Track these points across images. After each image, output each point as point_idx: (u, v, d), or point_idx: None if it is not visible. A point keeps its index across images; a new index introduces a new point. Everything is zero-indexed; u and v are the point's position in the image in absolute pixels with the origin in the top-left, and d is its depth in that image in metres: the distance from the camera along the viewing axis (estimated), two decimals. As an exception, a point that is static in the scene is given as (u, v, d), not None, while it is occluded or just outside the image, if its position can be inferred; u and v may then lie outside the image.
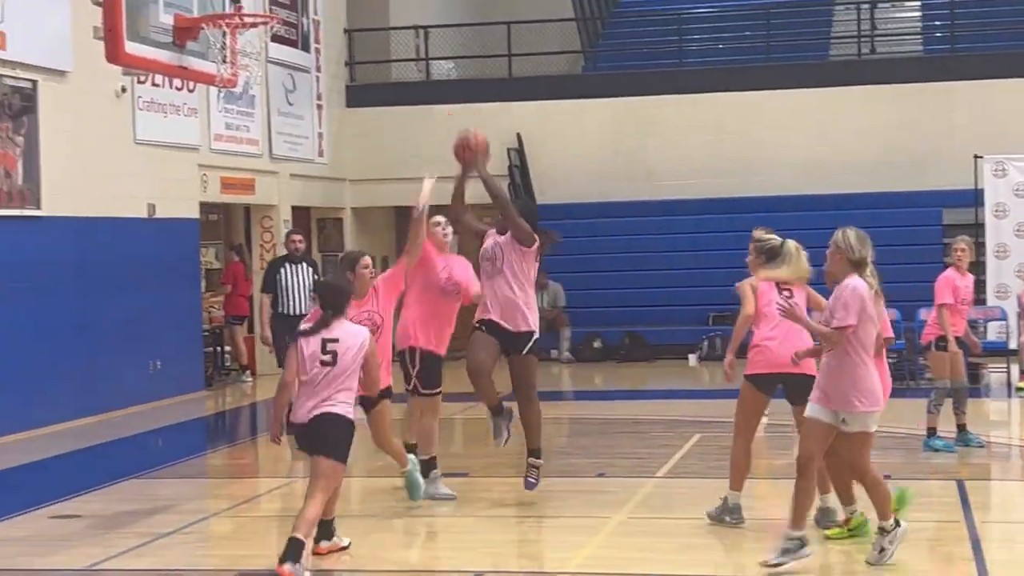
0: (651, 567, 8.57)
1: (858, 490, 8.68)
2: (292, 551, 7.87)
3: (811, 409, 8.08)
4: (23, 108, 14.91)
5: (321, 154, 23.23)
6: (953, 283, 12.46)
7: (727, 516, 9.21)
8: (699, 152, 23.50)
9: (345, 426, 8.23)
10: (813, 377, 8.33)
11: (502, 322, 10.01)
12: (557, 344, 22.48)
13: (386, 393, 9.68)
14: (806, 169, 23.10)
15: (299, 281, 14.78)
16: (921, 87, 22.97)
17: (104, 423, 15.78)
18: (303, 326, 8.38)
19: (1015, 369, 17.90)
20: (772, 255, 9.12)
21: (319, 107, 23.15)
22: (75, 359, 15.74)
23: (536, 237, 10.06)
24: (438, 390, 10.54)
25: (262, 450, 14.21)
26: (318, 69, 23.09)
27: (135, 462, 13.19)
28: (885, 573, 8.13)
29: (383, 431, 9.89)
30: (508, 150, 23.54)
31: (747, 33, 26.00)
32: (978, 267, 18.01)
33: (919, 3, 27.22)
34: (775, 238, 9.19)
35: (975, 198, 21.02)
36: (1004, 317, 19.15)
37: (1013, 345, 18.43)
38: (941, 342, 12.44)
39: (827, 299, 8.29)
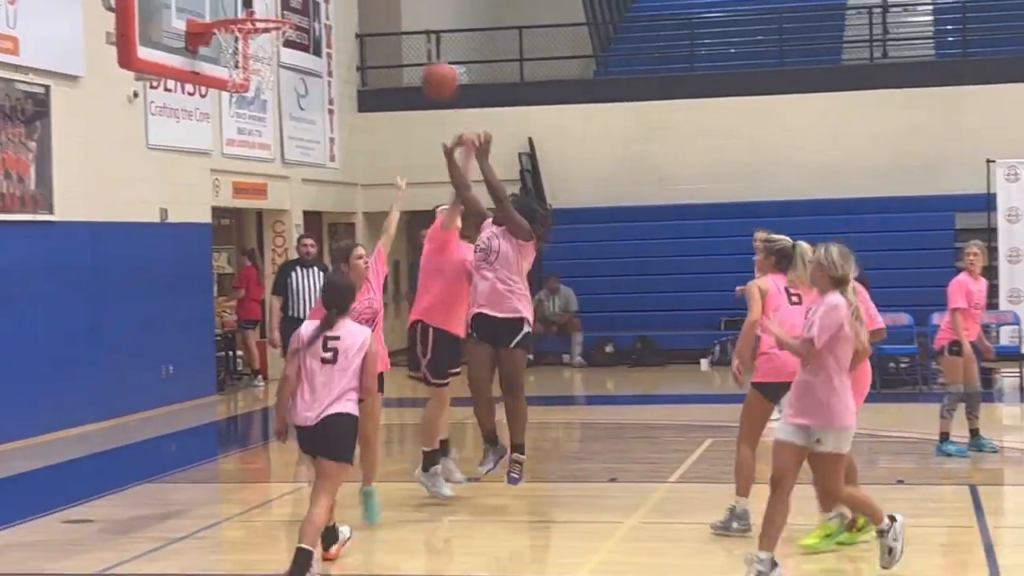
0: (663, 572, 8.56)
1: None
2: (301, 565, 7.87)
3: (784, 431, 7.84)
4: (36, 113, 14.95)
5: (333, 159, 23.25)
6: (966, 287, 12.43)
7: (735, 523, 9.11)
8: (711, 156, 23.48)
9: (349, 425, 8.17)
10: None
11: (489, 311, 9.95)
12: (569, 349, 22.49)
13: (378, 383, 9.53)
14: (818, 173, 23.07)
15: (310, 285, 14.80)
16: (933, 91, 22.93)
17: (116, 427, 15.80)
18: (308, 326, 8.33)
19: (1028, 373, 17.88)
20: (782, 256, 9.07)
21: (331, 112, 23.18)
22: (88, 363, 15.76)
23: (534, 233, 10.04)
24: (447, 381, 10.40)
25: (274, 455, 14.23)
26: (330, 74, 23.12)
27: (148, 467, 13.20)
28: (898, 579, 8.11)
29: (370, 430, 9.55)
30: (520, 154, 23.55)
31: (759, 37, 25.99)
32: (990, 271, 17.96)
33: (931, 7, 27.18)
34: (784, 239, 9.11)
35: (987, 202, 20.99)
36: (1017, 321, 19.12)
37: (1026, 349, 18.41)
38: (954, 346, 12.41)
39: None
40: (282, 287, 15.26)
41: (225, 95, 18.02)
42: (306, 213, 22.06)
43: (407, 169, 22.94)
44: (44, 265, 15.09)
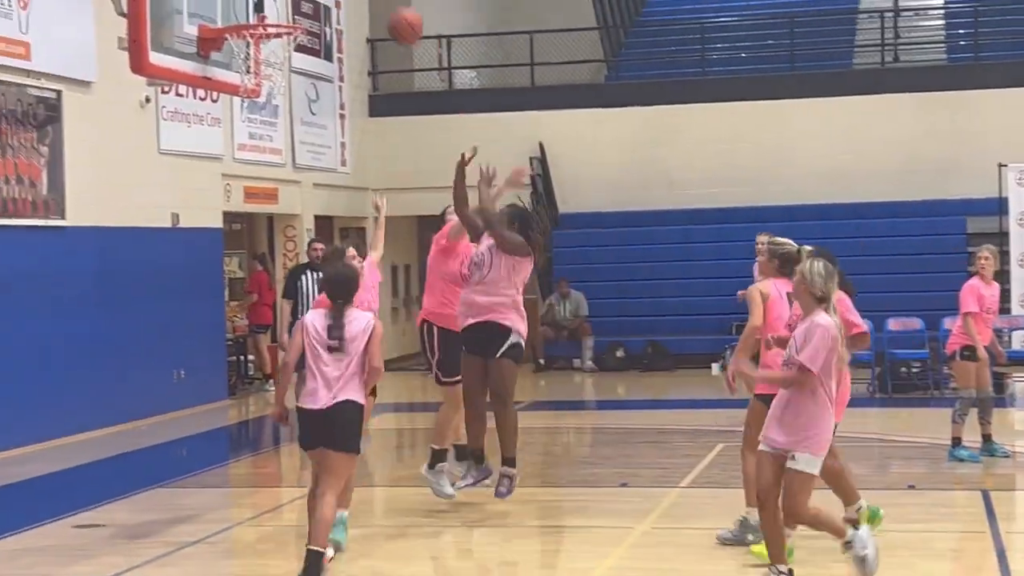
0: (675, 578, 8.56)
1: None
2: (313, 567, 7.86)
3: (764, 445, 7.76)
4: (48, 118, 14.98)
5: (344, 163, 23.27)
6: (978, 291, 12.40)
7: (750, 535, 8.95)
8: (721, 161, 23.48)
9: (356, 412, 8.19)
10: None
11: (479, 320, 9.79)
12: (579, 353, 22.48)
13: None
14: (829, 178, 23.05)
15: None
16: (945, 95, 22.91)
17: (128, 432, 15.81)
18: (313, 316, 8.31)
19: (1040, 378, 17.85)
20: (785, 260, 8.97)
21: (342, 117, 23.20)
22: (99, 368, 15.79)
23: (531, 248, 9.88)
24: (457, 379, 10.31)
25: (285, 459, 14.23)
26: (341, 79, 23.15)
27: (159, 471, 13.20)
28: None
29: None
30: (531, 159, 23.56)
31: (770, 42, 25.97)
32: (1002, 276, 17.92)
33: (943, 11, 27.16)
34: (789, 243, 8.96)
35: (999, 207, 20.96)
36: (1029, 326, 19.10)
37: (1038, 354, 18.37)
38: (966, 351, 12.38)
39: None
40: (292, 291, 15.29)
41: (236, 100, 18.05)
42: (317, 218, 22.08)
43: (417, 173, 23.43)
44: (55, 270, 15.12)
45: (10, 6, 14.20)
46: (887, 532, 9.43)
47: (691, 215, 23.55)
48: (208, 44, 13.09)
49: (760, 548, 8.38)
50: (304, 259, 17.81)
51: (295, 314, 14.86)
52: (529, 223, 10.00)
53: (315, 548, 7.98)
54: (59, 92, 15.14)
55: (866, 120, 23.11)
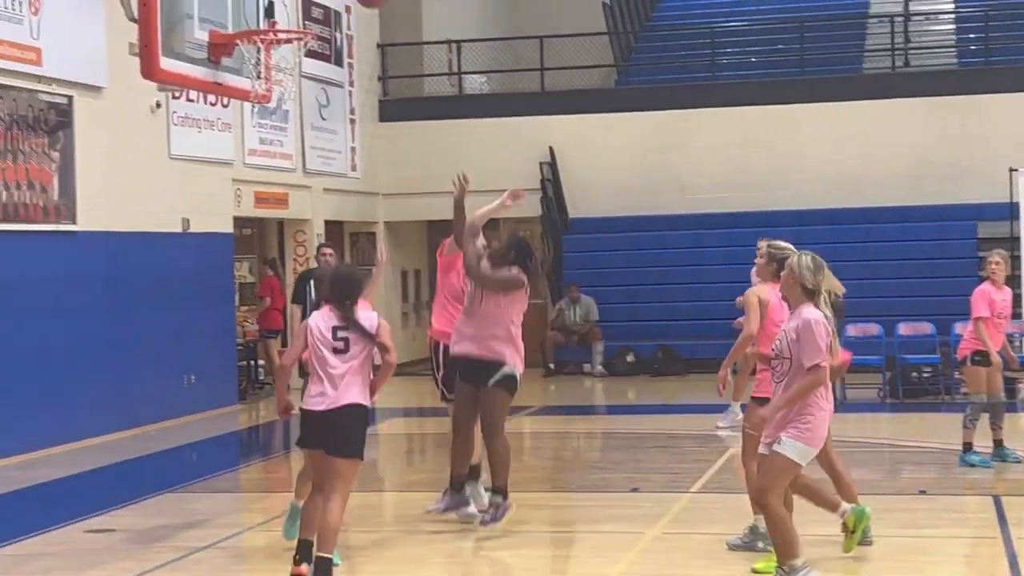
0: (685, 583, 8.55)
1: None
2: (322, 573, 7.86)
3: (763, 448, 7.77)
4: (59, 123, 15.01)
5: (354, 168, 23.29)
6: (989, 296, 12.36)
7: (760, 542, 8.87)
8: (731, 166, 23.46)
9: (362, 416, 8.14)
10: None
11: (473, 351, 9.63)
12: (590, 358, 22.47)
13: None
14: (839, 183, 23.03)
15: (329, 294, 14.82)
16: (955, 100, 22.87)
17: (138, 437, 15.84)
18: (318, 317, 8.26)
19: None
20: (785, 265, 8.90)
21: (352, 122, 23.23)
22: (110, 373, 15.81)
23: (524, 280, 9.63)
24: None
25: (296, 464, 14.21)
26: (351, 84, 23.17)
27: (169, 476, 13.22)
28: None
29: None
30: (541, 164, 23.57)
31: (780, 47, 25.95)
32: (1013, 281, 17.87)
33: (953, 16, 27.12)
34: (788, 247, 8.80)
35: (1010, 211, 20.91)
36: (1040, 331, 19.04)
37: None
38: (977, 356, 12.35)
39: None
40: (302, 296, 15.26)
41: (247, 105, 18.07)
42: (327, 223, 22.10)
43: (427, 178, 23.44)
44: (66, 275, 15.14)
45: (21, 12, 14.23)
46: (898, 537, 9.43)
47: (701, 219, 23.53)
48: (219, 49, 13.12)
49: (761, 564, 8.37)
50: (315, 264, 17.81)
51: (304, 319, 14.83)
52: (526, 253, 9.74)
53: (324, 555, 7.98)
54: (70, 97, 15.17)
55: (876, 125, 23.08)
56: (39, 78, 14.65)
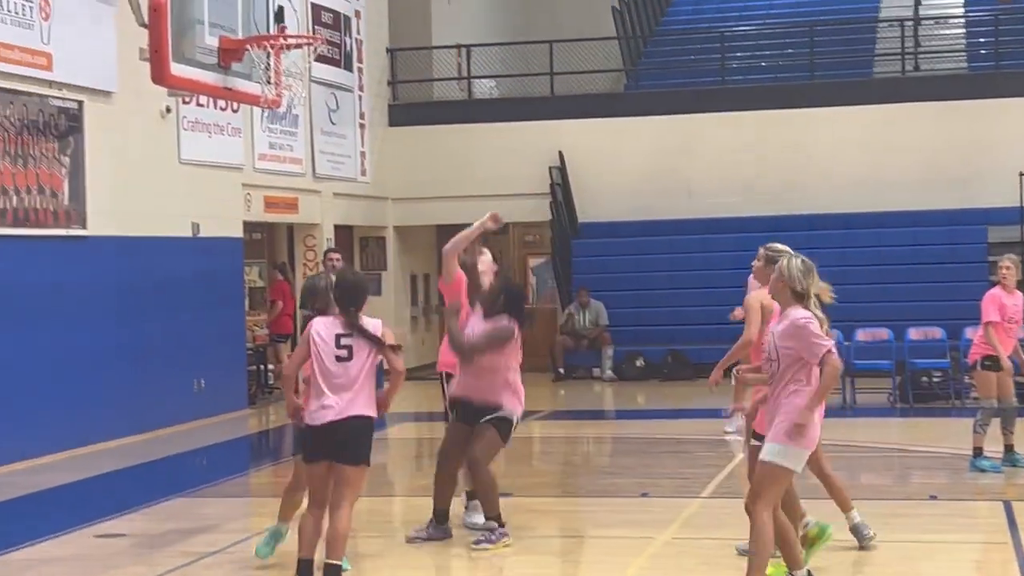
0: (695, 588, 8.53)
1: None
2: None
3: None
4: (69, 128, 15.04)
5: (364, 173, 23.31)
6: (999, 300, 12.34)
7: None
8: (741, 170, 23.44)
9: (368, 428, 8.10)
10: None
11: (473, 397, 9.64)
12: (599, 363, 22.48)
13: None
14: (849, 187, 23.00)
15: (337, 298, 14.82)
16: (966, 104, 22.84)
17: (148, 442, 15.85)
18: (322, 324, 8.19)
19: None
20: None
21: (362, 126, 23.25)
22: (120, 378, 15.83)
23: (514, 331, 9.56)
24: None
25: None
26: (361, 88, 23.20)
27: (180, 481, 13.24)
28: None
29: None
30: (550, 168, 23.57)
31: (790, 51, 25.93)
32: (1024, 285, 17.86)
33: (963, 20, 27.09)
34: (787, 249, 8.59)
35: (1021, 216, 20.91)
36: (1051, 336, 18.97)
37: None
38: (987, 361, 12.33)
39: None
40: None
41: (257, 110, 18.09)
42: (337, 227, 22.12)
43: (437, 183, 23.48)
44: (77, 279, 15.17)
45: (32, 17, 14.26)
46: (908, 543, 9.43)
47: (710, 224, 23.51)
48: (229, 55, 13.14)
49: (771, 570, 8.35)
50: (322, 268, 17.83)
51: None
52: (516, 299, 9.74)
53: (333, 562, 7.98)
54: (81, 102, 15.19)
55: (886, 129, 23.04)
56: (50, 83, 14.68)
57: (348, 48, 22.61)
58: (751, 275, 9.73)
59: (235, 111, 18.35)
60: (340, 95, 22.31)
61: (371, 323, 8.19)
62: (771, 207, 23.10)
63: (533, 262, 25.85)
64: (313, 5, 21.06)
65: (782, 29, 27.04)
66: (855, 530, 9.09)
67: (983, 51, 25.57)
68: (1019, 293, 12.64)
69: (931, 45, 25.77)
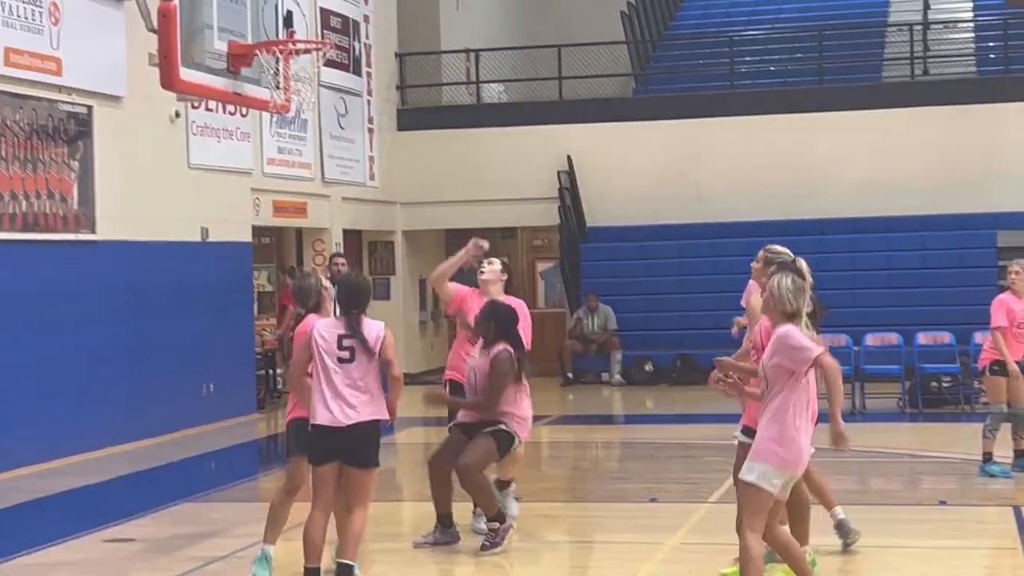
0: (704, 594, 8.52)
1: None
2: None
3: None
4: (78, 133, 15.06)
5: (372, 177, 23.32)
6: (1008, 305, 12.32)
7: (777, 554, 8.91)
8: (750, 175, 23.41)
9: (376, 432, 8.11)
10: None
11: (472, 421, 9.73)
12: (608, 367, 22.45)
13: None
14: (858, 192, 22.96)
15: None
16: (975, 108, 22.80)
17: (157, 446, 15.86)
18: (323, 326, 8.20)
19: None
20: (782, 269, 8.79)
21: (370, 131, 23.26)
22: (128, 382, 15.85)
23: (513, 361, 9.59)
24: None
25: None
26: (369, 93, 23.21)
27: (188, 485, 13.24)
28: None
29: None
30: (559, 173, 23.57)
31: (799, 55, 25.90)
32: (1033, 290, 17.82)
33: (972, 24, 27.06)
34: (786, 251, 8.60)
35: (1030, 220, 20.87)
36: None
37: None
38: (995, 366, 12.31)
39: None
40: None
41: (266, 115, 18.11)
42: (346, 231, 22.13)
43: (445, 187, 23.48)
44: (86, 284, 15.18)
45: (41, 22, 14.28)
46: (917, 548, 9.41)
47: (719, 228, 23.48)
48: (238, 60, 13.17)
49: (780, 575, 8.33)
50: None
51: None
52: (506, 321, 9.74)
53: (346, 561, 7.98)
54: (90, 107, 15.21)
55: (895, 133, 23.01)
56: (59, 88, 14.70)
57: (357, 53, 22.63)
58: (751, 280, 9.71)
59: (244, 116, 18.38)
60: (349, 100, 22.33)
61: (373, 325, 8.18)
62: (780, 212, 23.05)
63: (542, 266, 25.86)
64: (322, 10, 21.08)
65: (791, 33, 27.03)
66: (839, 527, 9.07)
67: (992, 55, 25.54)
68: (1028, 298, 12.61)
69: (940, 49, 25.73)
